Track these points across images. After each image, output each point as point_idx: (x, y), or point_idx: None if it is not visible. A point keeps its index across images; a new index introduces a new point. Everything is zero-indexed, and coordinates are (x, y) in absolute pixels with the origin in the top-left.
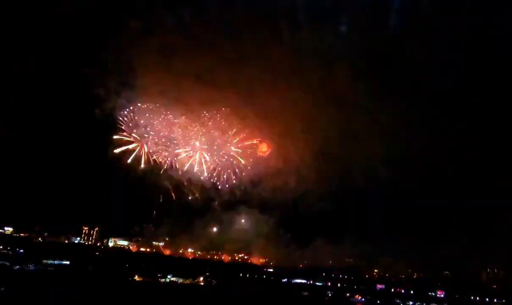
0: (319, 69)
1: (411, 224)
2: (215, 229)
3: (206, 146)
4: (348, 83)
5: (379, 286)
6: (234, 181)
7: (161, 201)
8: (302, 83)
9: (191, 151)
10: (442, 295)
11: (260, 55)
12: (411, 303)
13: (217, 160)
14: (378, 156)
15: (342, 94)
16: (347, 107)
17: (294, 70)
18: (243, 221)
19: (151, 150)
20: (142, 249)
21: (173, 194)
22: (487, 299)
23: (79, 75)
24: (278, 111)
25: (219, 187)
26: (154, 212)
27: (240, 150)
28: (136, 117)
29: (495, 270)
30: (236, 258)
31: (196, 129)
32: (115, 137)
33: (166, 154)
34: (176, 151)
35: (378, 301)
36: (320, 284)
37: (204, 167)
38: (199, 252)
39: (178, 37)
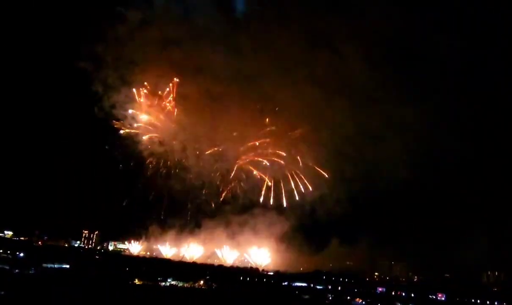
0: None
1: (411, 226)
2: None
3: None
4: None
5: (379, 289)
6: None
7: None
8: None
9: None
10: (443, 298)
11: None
12: None
13: None
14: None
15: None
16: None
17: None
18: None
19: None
20: (142, 252)
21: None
22: (488, 302)
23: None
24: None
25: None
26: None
27: None
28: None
29: (496, 273)
30: (237, 262)
31: None
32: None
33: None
34: None
35: (379, 304)
36: (321, 287)
37: None
38: (199, 255)
39: None
